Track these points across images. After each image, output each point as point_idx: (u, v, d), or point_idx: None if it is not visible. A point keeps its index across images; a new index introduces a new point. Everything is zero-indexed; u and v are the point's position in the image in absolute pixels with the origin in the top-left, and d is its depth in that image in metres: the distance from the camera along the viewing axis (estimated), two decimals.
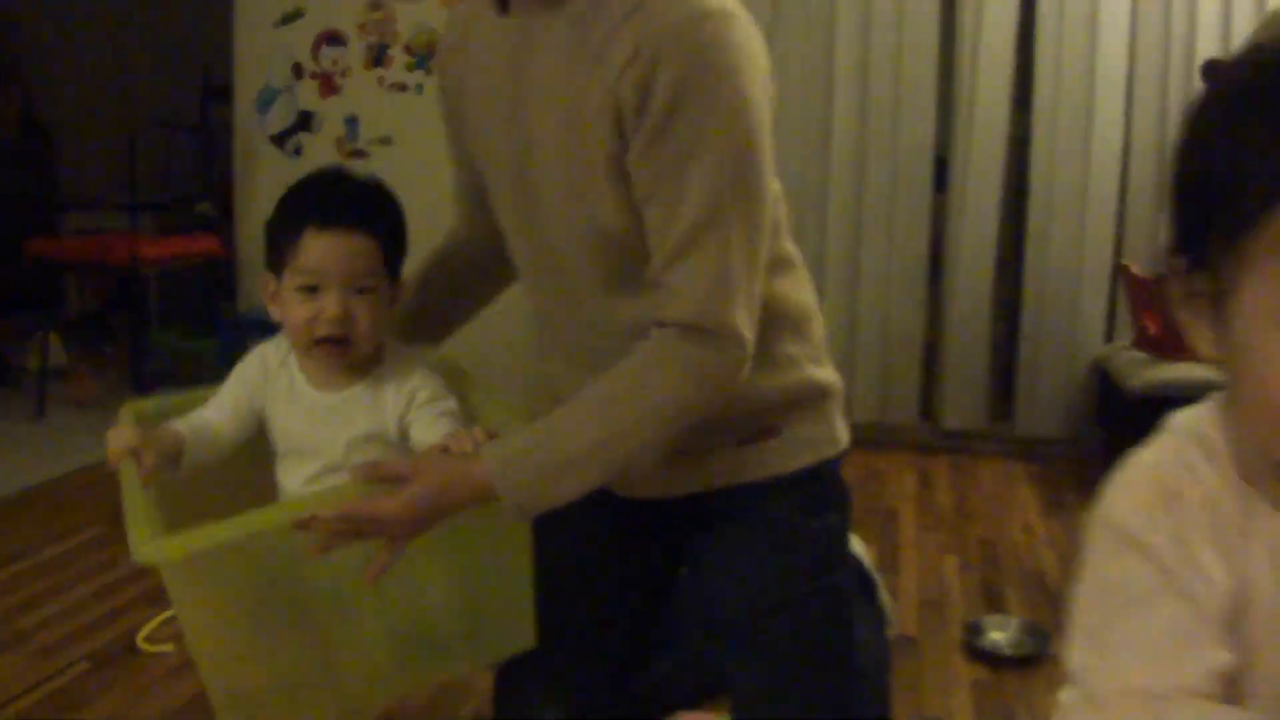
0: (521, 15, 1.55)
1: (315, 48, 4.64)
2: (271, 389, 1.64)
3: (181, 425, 1.59)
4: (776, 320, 1.57)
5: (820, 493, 1.70)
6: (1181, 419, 0.87)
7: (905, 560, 3.04)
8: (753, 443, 1.62)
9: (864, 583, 2.30)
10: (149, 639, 2.31)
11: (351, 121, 4.65)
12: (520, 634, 1.72)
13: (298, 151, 4.73)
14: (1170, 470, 0.84)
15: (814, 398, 1.66)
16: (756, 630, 1.67)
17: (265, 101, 4.72)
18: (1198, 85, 3.27)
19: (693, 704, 2.02)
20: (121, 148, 4.82)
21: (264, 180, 4.79)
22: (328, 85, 4.65)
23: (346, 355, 1.61)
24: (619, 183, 1.48)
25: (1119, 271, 3.96)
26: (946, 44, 4.12)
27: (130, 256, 4.27)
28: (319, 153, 4.67)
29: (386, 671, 1.63)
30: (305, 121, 4.70)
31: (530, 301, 1.72)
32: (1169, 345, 3.54)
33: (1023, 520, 3.38)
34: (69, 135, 6.55)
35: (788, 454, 1.65)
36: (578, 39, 1.47)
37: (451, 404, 1.66)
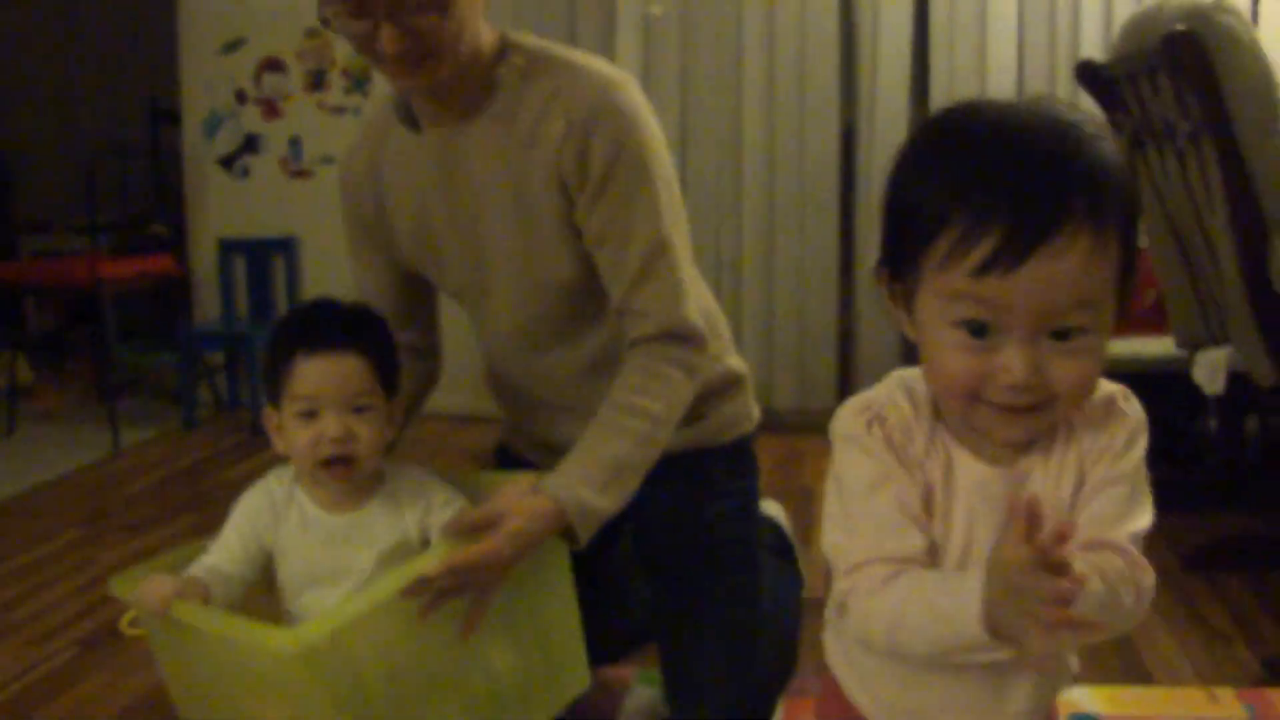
0: (436, 128, 1.84)
1: (257, 74, 4.86)
2: (283, 525, 1.65)
3: (199, 573, 1.59)
4: None
5: (739, 460, 2.04)
6: (901, 372, 1.17)
7: (820, 533, 3.28)
8: (687, 426, 1.88)
9: (784, 547, 2.50)
10: (130, 624, 2.54)
11: (295, 143, 4.86)
12: (576, 677, 1.87)
13: (245, 173, 4.94)
14: (881, 402, 1.15)
15: (732, 384, 2.01)
16: (682, 564, 1.96)
17: (212, 126, 4.93)
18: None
19: (616, 660, 2.29)
20: (74, 172, 5.00)
21: (214, 200, 5.00)
22: (270, 109, 4.86)
23: (351, 474, 1.63)
24: (569, 238, 1.79)
25: None
26: (847, 52, 4.34)
27: (92, 276, 4.44)
28: (265, 173, 4.90)
29: None
30: (251, 144, 4.91)
31: (491, 364, 2.06)
32: None
33: None
34: (22, 162, 6.67)
35: (715, 430, 1.98)
36: (503, 133, 1.78)
37: (465, 503, 1.74)
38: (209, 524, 3.16)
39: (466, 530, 1.60)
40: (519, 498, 1.64)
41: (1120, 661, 2.29)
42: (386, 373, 1.68)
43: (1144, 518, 1.12)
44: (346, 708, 1.46)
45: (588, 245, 1.79)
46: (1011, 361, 1.01)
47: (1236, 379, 2.90)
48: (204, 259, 5.04)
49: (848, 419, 1.15)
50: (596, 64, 1.80)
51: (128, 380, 5.20)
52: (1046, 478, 1.11)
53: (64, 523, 3.39)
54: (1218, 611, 2.55)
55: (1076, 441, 1.12)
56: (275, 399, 1.64)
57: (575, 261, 1.81)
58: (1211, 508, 3.25)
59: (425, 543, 1.70)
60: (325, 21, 1.69)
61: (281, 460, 1.70)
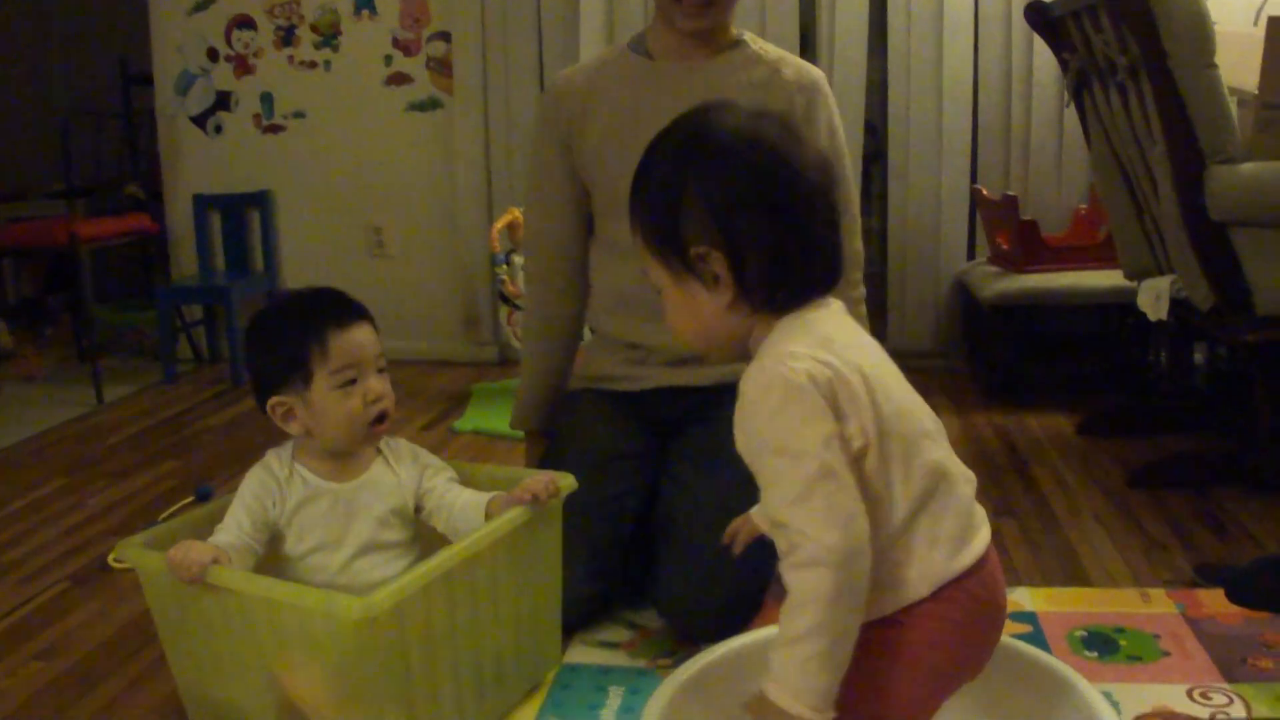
0: (680, 61, 2.24)
1: (228, 32, 4.91)
2: (289, 499, 1.75)
3: (219, 547, 1.65)
4: None
5: None
6: None
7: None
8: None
9: None
10: (117, 559, 2.62)
11: (266, 99, 4.93)
12: (552, 656, 2.00)
13: (219, 130, 5.00)
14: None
15: None
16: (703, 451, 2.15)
17: (184, 85, 4.98)
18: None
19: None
20: (48, 139, 5.03)
21: (188, 159, 5.06)
22: (242, 66, 4.93)
23: (387, 431, 1.80)
24: None
25: (974, 196, 4.26)
26: (807, 4, 4.40)
27: (69, 237, 4.48)
28: (238, 129, 4.97)
29: (460, 716, 1.73)
30: (223, 101, 4.97)
31: (624, 288, 2.28)
32: (1017, 259, 3.88)
33: None
34: None
35: None
36: (743, 73, 2.24)
37: (453, 472, 1.90)
38: (191, 469, 3.30)
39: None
40: None
41: (1060, 566, 2.42)
42: None
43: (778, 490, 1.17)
44: (391, 678, 1.56)
45: None
46: None
47: (1180, 306, 3.01)
48: (180, 216, 5.10)
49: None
50: None
51: (108, 339, 5.25)
52: None
53: (51, 471, 3.47)
54: (1157, 523, 2.67)
55: None
56: (291, 385, 1.72)
57: None
58: (1159, 431, 3.37)
59: (418, 507, 1.85)
60: None
61: (250, 432, 1.80)
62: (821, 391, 1.14)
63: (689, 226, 1.17)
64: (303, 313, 1.74)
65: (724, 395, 2.02)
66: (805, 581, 1.12)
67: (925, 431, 1.25)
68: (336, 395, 1.71)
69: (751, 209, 1.15)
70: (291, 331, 1.72)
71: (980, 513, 1.30)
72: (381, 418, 1.75)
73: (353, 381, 1.71)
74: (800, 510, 1.12)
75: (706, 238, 1.17)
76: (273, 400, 1.74)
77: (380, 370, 1.75)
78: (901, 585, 1.21)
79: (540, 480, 1.82)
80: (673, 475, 2.18)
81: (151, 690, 2.02)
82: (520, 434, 2.53)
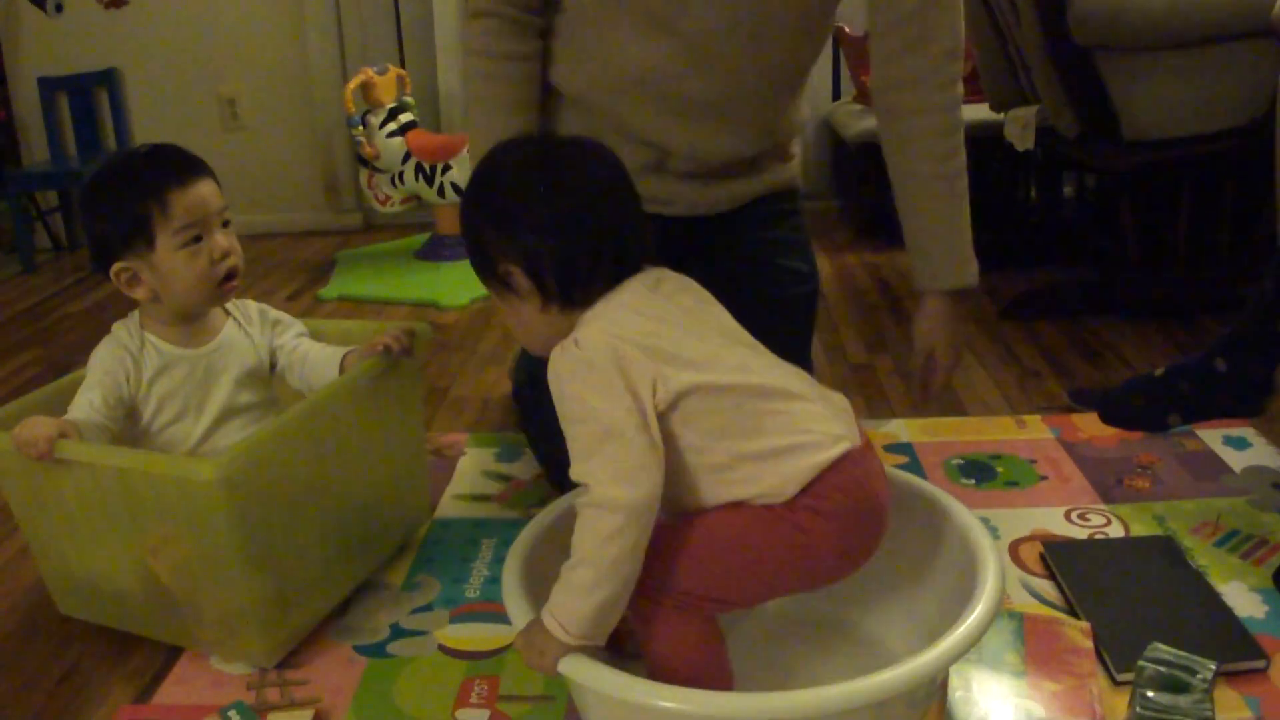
0: None
1: None
2: (143, 370, 1.69)
3: (67, 421, 1.60)
4: None
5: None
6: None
7: None
8: (785, 161, 2.07)
9: None
10: None
11: None
12: (420, 511, 1.99)
13: (59, 8, 4.75)
14: None
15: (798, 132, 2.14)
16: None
17: None
18: None
19: None
20: None
21: (28, 40, 4.82)
22: None
23: (237, 287, 1.72)
24: None
25: (836, 34, 4.19)
26: None
27: None
28: (80, 6, 4.73)
29: (327, 576, 1.72)
30: None
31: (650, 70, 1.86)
32: None
33: None
34: None
35: (796, 167, 2.14)
36: None
37: (304, 328, 1.85)
38: (54, 356, 3.19)
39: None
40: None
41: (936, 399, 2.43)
42: None
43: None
44: (252, 541, 1.52)
45: None
46: None
47: (1047, 136, 3.02)
48: (25, 100, 4.88)
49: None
50: None
51: None
52: None
53: None
54: (1030, 352, 2.70)
55: None
56: (134, 248, 1.65)
57: None
58: (1031, 264, 3.40)
59: (273, 365, 1.81)
60: None
61: (115, 314, 1.75)
62: (606, 364, 1.25)
63: (495, 251, 1.35)
64: (139, 172, 1.65)
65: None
66: (585, 519, 1.22)
67: (739, 369, 1.31)
68: (183, 255, 1.64)
69: (533, 230, 1.32)
70: (129, 192, 1.64)
71: (844, 422, 1.33)
72: (231, 275, 1.69)
73: (198, 239, 1.65)
74: (587, 466, 1.23)
75: (509, 257, 1.34)
76: (116, 266, 1.66)
77: (225, 224, 1.69)
78: (751, 493, 1.28)
79: (393, 332, 1.78)
80: None
81: (16, 576, 1.95)
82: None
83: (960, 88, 1.84)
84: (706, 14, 1.78)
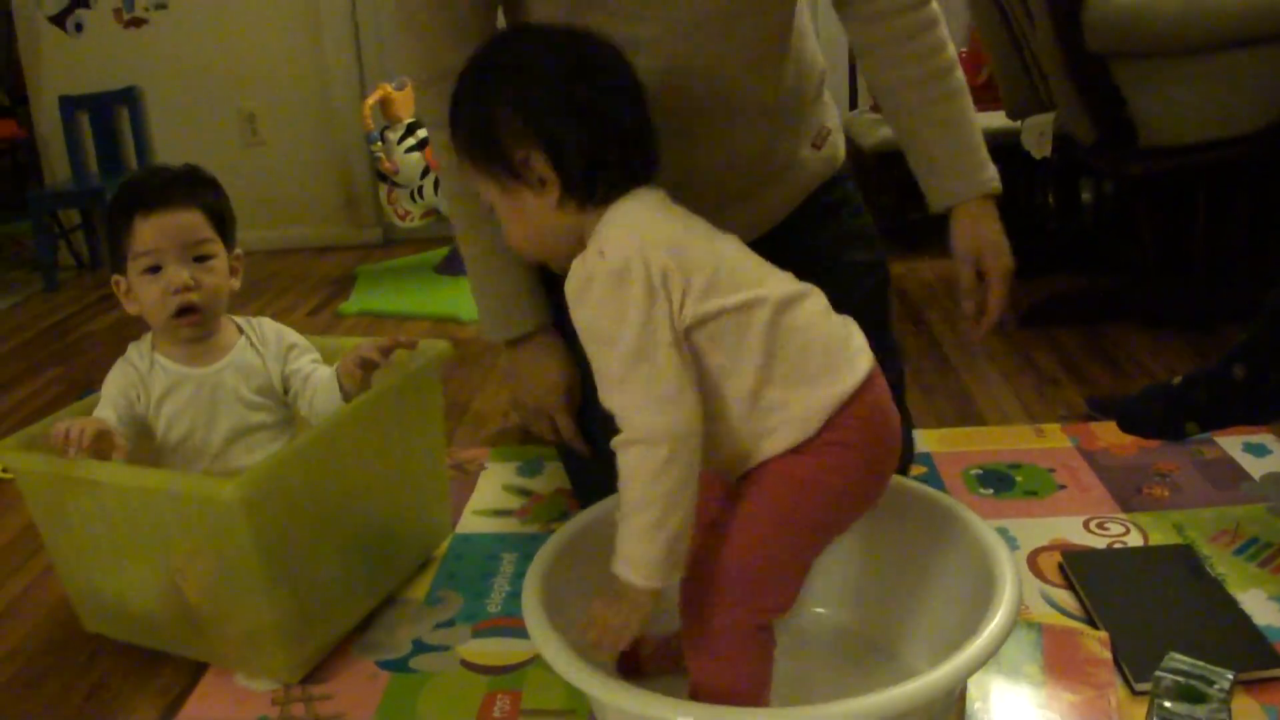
0: None
1: None
2: (153, 391, 1.72)
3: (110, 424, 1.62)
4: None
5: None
6: None
7: None
8: (817, 149, 1.92)
9: None
10: (5, 470, 2.56)
11: None
12: (441, 527, 1.99)
13: (79, 28, 4.80)
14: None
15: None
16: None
17: None
18: None
19: None
20: None
21: (50, 60, 4.86)
22: None
23: (202, 323, 1.72)
24: None
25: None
26: None
27: None
28: (98, 25, 4.77)
29: (349, 592, 1.72)
30: None
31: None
32: None
33: None
34: None
35: (838, 145, 1.98)
36: None
37: (317, 353, 1.85)
38: (77, 375, 3.21)
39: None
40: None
41: (954, 408, 2.43)
42: (223, 225, 1.74)
43: None
44: (274, 553, 1.53)
45: None
46: None
47: (1064, 143, 3.01)
48: (47, 120, 4.92)
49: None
50: None
51: None
52: None
53: None
54: (1050, 361, 2.69)
55: None
56: (121, 265, 1.71)
57: None
58: (1049, 271, 3.39)
59: (285, 388, 1.80)
60: None
61: (136, 333, 1.79)
62: (636, 277, 1.19)
63: (508, 138, 1.27)
64: (122, 194, 1.71)
65: None
66: (628, 458, 1.18)
67: (757, 284, 1.27)
68: (143, 281, 1.69)
69: (560, 112, 1.26)
70: (113, 210, 1.71)
71: (857, 343, 1.31)
72: (185, 309, 1.69)
73: (156, 269, 1.68)
74: (619, 394, 1.19)
75: (528, 143, 1.26)
76: (114, 277, 1.74)
77: (200, 259, 1.70)
78: (780, 431, 1.25)
79: (372, 344, 1.75)
80: None
81: (42, 594, 1.97)
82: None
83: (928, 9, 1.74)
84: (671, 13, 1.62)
